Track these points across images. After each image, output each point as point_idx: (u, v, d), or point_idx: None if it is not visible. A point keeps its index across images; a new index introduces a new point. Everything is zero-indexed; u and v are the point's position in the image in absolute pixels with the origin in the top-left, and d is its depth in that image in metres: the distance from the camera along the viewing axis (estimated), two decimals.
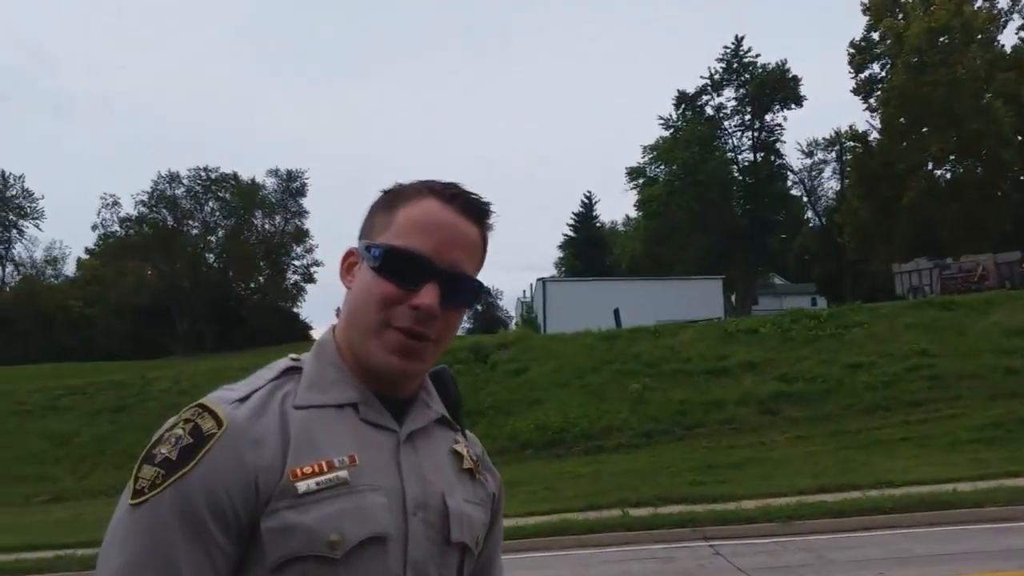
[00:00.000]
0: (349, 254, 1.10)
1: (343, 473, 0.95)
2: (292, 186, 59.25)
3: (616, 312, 27.15)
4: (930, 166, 39.58)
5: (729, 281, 43.24)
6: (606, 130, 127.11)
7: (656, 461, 13.64)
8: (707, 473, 12.17)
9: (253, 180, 57.87)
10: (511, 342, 21.32)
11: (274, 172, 59.29)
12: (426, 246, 1.01)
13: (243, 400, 0.97)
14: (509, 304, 76.10)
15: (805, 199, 55.26)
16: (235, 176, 56.86)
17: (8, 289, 58.71)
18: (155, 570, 0.86)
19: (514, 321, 57.87)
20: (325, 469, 0.94)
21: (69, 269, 63.47)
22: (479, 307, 72.50)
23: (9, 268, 59.28)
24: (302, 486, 0.92)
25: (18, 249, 60.12)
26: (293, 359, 1.07)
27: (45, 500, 15.95)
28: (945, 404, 14.58)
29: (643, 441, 15.19)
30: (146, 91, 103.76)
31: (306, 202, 59.83)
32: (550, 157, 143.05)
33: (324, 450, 0.96)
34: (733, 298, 44.17)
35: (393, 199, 1.07)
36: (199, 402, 0.96)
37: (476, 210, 1.07)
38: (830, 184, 55.77)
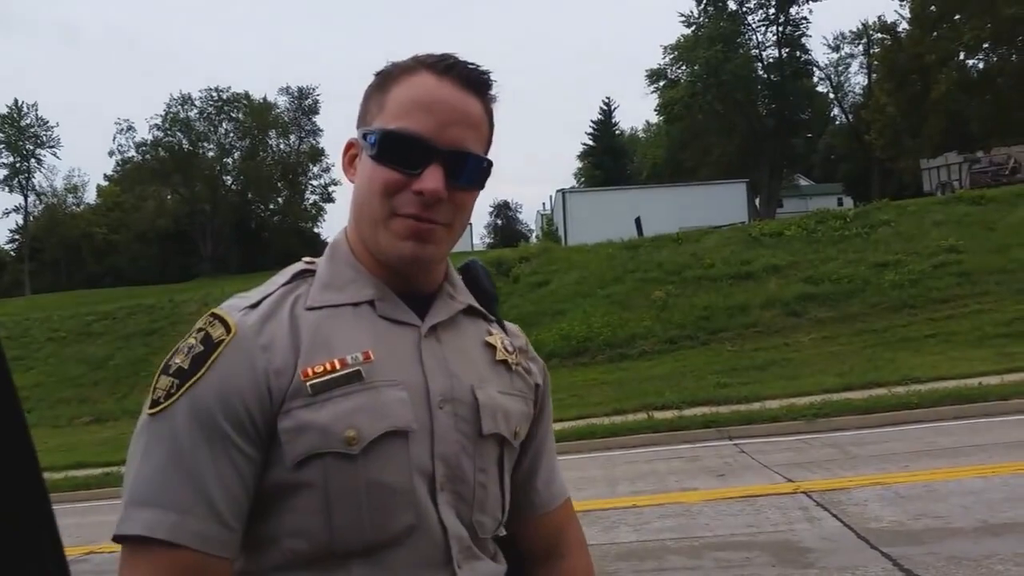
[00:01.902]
0: (349, 146, 1.04)
1: (356, 370, 0.92)
2: (304, 103, 58.54)
3: (637, 220, 26.88)
4: (962, 56, 38.05)
5: (753, 184, 42.49)
6: (625, 32, 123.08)
7: (680, 366, 13.74)
8: (732, 376, 12.25)
9: (265, 99, 57.23)
10: (533, 255, 21.27)
11: (285, 90, 58.57)
12: (424, 126, 0.95)
13: (254, 306, 0.95)
14: (529, 217, 75.65)
15: (831, 96, 53.67)
16: (247, 95, 56.21)
17: (32, 219, 59.25)
18: (180, 475, 0.86)
19: (535, 234, 57.63)
20: (338, 367, 0.92)
21: (90, 196, 63.84)
22: (499, 221, 72.20)
23: (31, 198, 59.60)
24: (314, 385, 0.90)
25: (38, 178, 60.31)
26: (307, 262, 1.04)
27: (87, 421, 16.50)
28: (973, 300, 14.41)
29: (667, 348, 15.26)
30: (146, 11, 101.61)
31: (320, 120, 59.22)
32: (566, 64, 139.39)
33: (337, 348, 0.93)
34: (757, 201, 43.48)
35: (385, 79, 1.00)
36: (211, 311, 0.95)
37: (475, 81, 0.99)
38: (857, 79, 54.15)
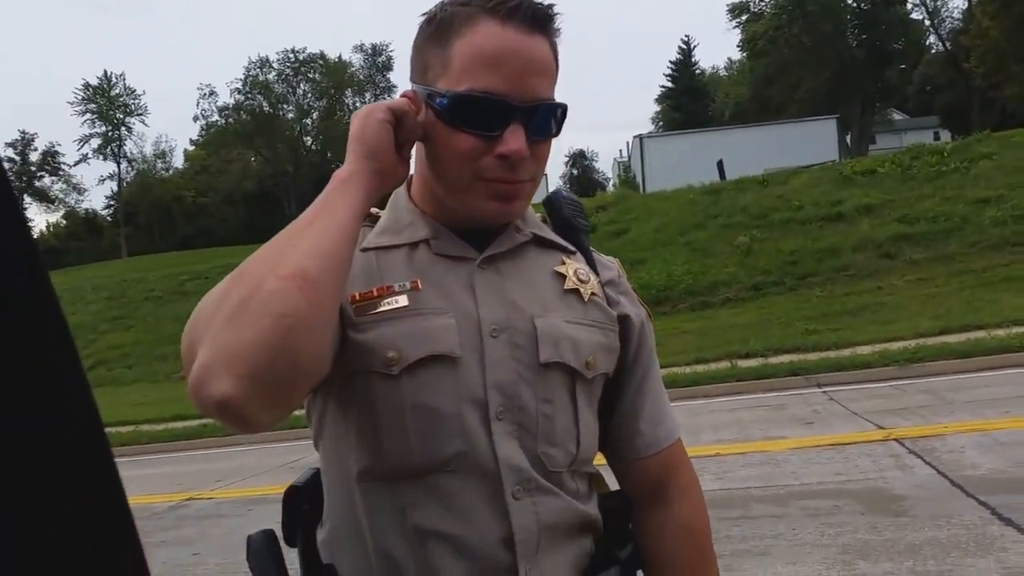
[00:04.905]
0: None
1: (403, 298, 0.93)
2: (378, 60, 58.84)
3: (719, 164, 26.01)
4: None
5: (844, 120, 40.47)
6: None
7: (766, 314, 13.35)
8: (821, 322, 11.83)
9: (340, 58, 57.79)
10: (610, 203, 20.93)
11: (359, 48, 58.93)
12: (499, 83, 0.89)
13: None
14: (605, 166, 74.53)
15: (927, 23, 50.23)
16: (322, 55, 56.86)
17: (125, 185, 61.96)
18: None
19: (611, 183, 56.75)
20: (385, 293, 0.93)
21: (178, 161, 66.27)
22: (575, 171, 71.40)
23: (124, 165, 62.23)
24: (359, 308, 0.93)
25: (129, 146, 62.87)
26: (373, 211, 1.05)
27: (183, 376, 17.28)
28: None
29: (751, 295, 14.84)
30: None
31: (394, 76, 59.51)
32: (640, 4, 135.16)
33: (385, 279, 0.95)
34: (848, 138, 41.48)
35: (444, 30, 0.92)
36: None
37: (541, 19, 0.92)
38: (955, 3, 50.44)
